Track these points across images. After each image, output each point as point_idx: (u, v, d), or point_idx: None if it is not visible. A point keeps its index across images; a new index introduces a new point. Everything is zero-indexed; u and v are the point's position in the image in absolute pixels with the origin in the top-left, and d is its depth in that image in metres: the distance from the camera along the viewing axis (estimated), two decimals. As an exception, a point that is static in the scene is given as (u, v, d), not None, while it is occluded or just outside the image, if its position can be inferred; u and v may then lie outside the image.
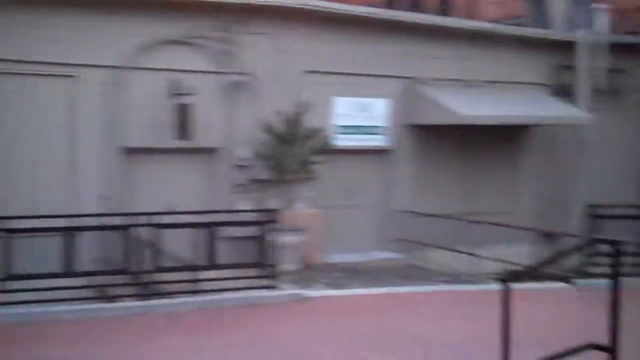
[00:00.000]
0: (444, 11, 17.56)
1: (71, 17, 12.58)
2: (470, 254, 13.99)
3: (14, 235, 9.35)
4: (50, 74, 12.54)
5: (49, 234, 9.62)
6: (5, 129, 12.32)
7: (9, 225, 9.53)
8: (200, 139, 13.50)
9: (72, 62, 12.61)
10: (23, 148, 12.46)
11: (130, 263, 10.15)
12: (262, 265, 11.09)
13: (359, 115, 15.44)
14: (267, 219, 11.04)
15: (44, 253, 9.76)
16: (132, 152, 13.27)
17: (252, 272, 10.98)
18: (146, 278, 10.32)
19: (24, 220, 9.84)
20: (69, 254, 9.21)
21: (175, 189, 13.61)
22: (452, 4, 17.95)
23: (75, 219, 10.85)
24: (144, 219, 10.20)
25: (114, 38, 12.89)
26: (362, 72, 15.31)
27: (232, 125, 14.00)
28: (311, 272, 13.52)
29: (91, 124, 12.85)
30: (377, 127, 15.70)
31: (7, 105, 12.32)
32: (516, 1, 21.25)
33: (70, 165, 12.79)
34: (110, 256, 11.88)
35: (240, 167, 14.05)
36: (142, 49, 13.16)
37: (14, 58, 12.23)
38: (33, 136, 12.52)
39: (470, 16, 19.40)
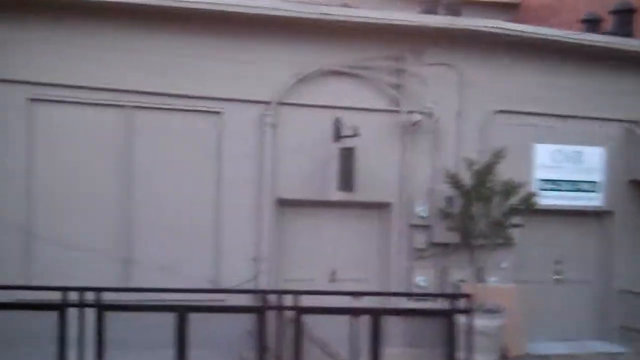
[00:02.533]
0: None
1: (215, 44, 10.69)
2: None
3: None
4: (190, 109, 10.62)
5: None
6: (130, 171, 10.36)
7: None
8: (368, 191, 11.18)
9: (216, 95, 10.68)
10: (154, 196, 10.46)
11: (265, 354, 7.55)
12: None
13: (566, 167, 12.57)
14: (455, 300, 8.21)
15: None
16: (285, 204, 11.08)
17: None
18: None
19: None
20: (182, 337, 6.72)
21: (336, 251, 11.47)
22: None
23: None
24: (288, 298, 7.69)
25: (265, 68, 10.87)
26: (571, 114, 12.46)
27: (408, 175, 11.57)
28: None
29: (237, 169, 10.76)
30: (590, 182, 12.71)
31: (136, 143, 10.41)
32: None
33: (211, 219, 10.70)
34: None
35: (418, 227, 11.53)
36: (299, 82, 11.03)
37: (148, 90, 10.40)
38: (167, 181, 10.52)
39: None
